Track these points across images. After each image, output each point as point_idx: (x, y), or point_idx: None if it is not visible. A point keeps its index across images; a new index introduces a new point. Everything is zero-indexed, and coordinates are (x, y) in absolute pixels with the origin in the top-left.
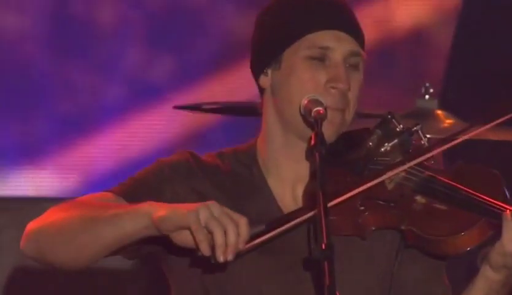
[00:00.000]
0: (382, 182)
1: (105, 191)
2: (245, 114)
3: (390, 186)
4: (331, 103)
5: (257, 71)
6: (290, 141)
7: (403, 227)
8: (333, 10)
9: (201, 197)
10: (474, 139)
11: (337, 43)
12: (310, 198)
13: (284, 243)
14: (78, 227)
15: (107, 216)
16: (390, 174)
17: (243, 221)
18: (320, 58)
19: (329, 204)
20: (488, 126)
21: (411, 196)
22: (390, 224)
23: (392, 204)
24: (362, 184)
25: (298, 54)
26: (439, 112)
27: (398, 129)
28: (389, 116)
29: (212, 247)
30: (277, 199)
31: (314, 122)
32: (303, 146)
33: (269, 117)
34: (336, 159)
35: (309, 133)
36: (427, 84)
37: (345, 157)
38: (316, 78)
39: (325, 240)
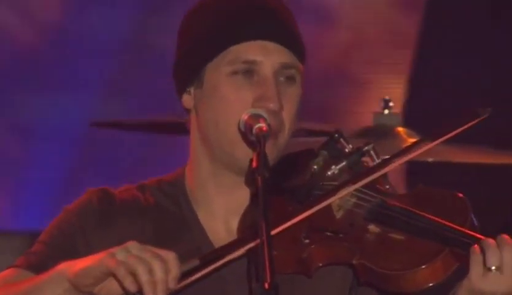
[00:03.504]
0: (330, 210)
1: (10, 267)
2: (170, 131)
3: (338, 214)
4: None
5: (179, 90)
6: (218, 171)
7: (354, 262)
8: (260, 17)
9: (120, 242)
10: (441, 162)
11: (265, 56)
12: (248, 230)
13: (217, 283)
14: None
15: None
16: (333, 198)
17: (171, 256)
18: (246, 73)
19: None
20: (438, 141)
21: (362, 225)
22: (340, 259)
23: (341, 235)
24: (302, 212)
25: (220, 70)
26: (400, 129)
27: (346, 149)
28: (336, 135)
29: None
30: (209, 235)
31: (255, 141)
32: (234, 179)
33: (195, 141)
34: (276, 185)
35: (239, 163)
36: (386, 97)
37: (287, 182)
38: (242, 98)
39: (268, 278)
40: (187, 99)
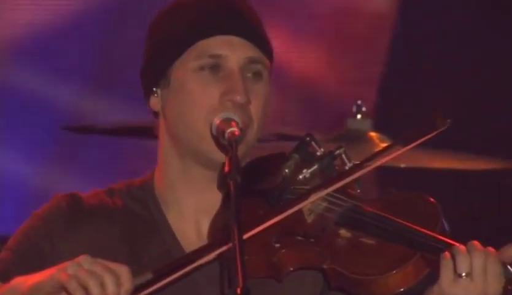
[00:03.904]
0: (301, 214)
1: None
2: (144, 135)
3: (309, 219)
4: None
5: (146, 92)
6: (188, 168)
7: (325, 266)
8: (226, 13)
9: (88, 247)
10: (414, 167)
11: (230, 50)
12: (219, 233)
13: (190, 286)
14: None
15: None
16: (304, 202)
17: (124, 270)
18: (213, 68)
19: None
20: (409, 147)
21: (334, 230)
22: (310, 263)
23: (312, 239)
24: (273, 217)
25: (187, 66)
26: (373, 134)
27: (318, 153)
28: (308, 138)
29: None
30: (178, 237)
31: (227, 145)
32: (204, 173)
33: (164, 143)
34: (248, 189)
35: (208, 156)
36: (359, 102)
37: (258, 186)
38: (209, 92)
39: (240, 284)
40: (154, 101)
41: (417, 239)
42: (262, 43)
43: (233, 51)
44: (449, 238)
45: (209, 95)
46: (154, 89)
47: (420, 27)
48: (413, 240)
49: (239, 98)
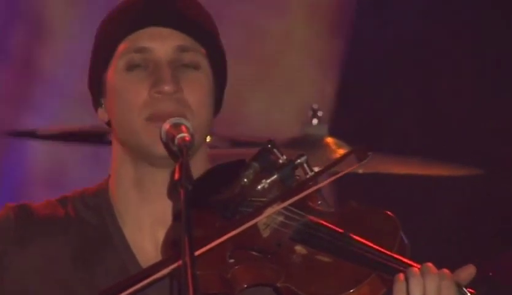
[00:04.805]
0: (256, 229)
1: None
2: (89, 140)
3: (265, 233)
4: (157, 111)
5: (94, 105)
6: (140, 175)
7: (279, 284)
8: (153, 5)
9: (38, 262)
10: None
11: (155, 42)
12: (171, 247)
13: None
14: None
15: None
16: (260, 216)
17: None
18: (141, 64)
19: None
20: (329, 181)
21: (289, 246)
22: (264, 280)
23: (269, 255)
24: (227, 231)
25: (117, 69)
26: (329, 139)
27: (280, 161)
28: (269, 145)
29: None
30: (134, 250)
31: (178, 151)
32: (155, 176)
33: (116, 152)
34: (204, 198)
35: (151, 150)
36: (315, 106)
37: (215, 195)
38: (137, 89)
39: None
40: (101, 113)
41: (373, 258)
42: (195, 31)
43: (161, 42)
44: (406, 257)
45: (139, 91)
46: (100, 100)
47: (378, 32)
48: (369, 259)
49: (166, 88)
